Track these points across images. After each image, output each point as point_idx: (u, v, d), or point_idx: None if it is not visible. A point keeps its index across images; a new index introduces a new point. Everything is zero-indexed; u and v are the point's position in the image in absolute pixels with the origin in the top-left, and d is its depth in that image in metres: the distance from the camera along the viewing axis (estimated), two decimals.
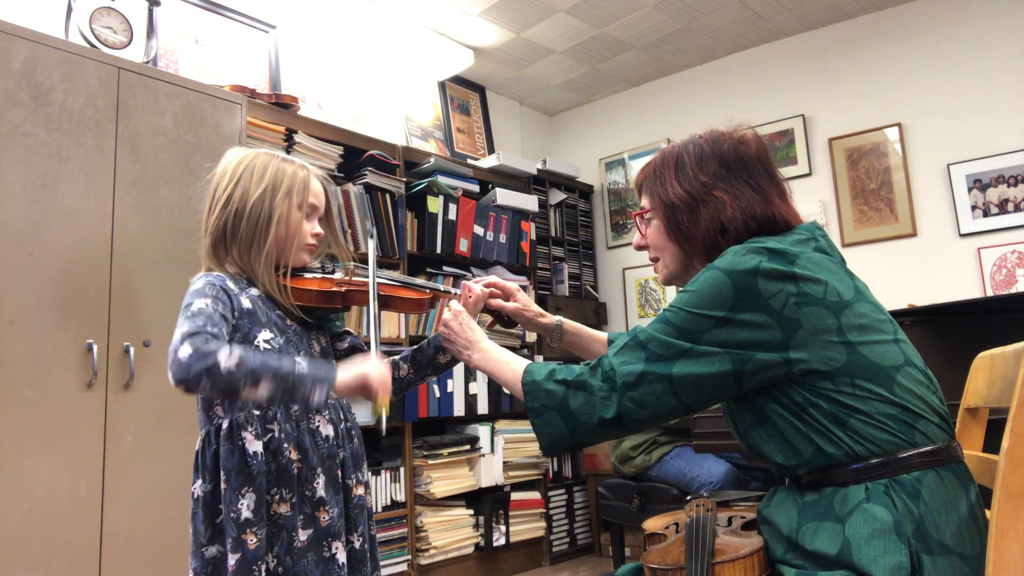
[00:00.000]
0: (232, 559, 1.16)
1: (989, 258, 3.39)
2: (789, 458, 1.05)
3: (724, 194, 1.14)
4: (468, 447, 3.39)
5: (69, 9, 2.39)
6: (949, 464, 0.99)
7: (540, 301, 4.08)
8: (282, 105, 2.94)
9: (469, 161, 3.96)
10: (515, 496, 3.60)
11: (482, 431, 3.46)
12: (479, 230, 3.66)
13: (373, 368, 1.17)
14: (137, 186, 2.23)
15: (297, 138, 2.94)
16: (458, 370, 3.43)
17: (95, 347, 2.06)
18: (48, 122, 2.06)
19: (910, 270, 3.59)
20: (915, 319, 1.96)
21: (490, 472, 3.46)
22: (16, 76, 2.01)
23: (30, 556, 1.87)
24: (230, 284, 1.27)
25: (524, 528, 3.63)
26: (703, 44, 4.17)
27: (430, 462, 3.20)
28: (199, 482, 1.22)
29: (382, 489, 3.06)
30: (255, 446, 1.21)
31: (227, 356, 1.08)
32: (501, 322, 1.54)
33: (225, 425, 1.22)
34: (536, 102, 4.90)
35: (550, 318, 1.54)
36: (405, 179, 3.37)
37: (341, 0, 3.63)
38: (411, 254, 3.38)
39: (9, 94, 1.99)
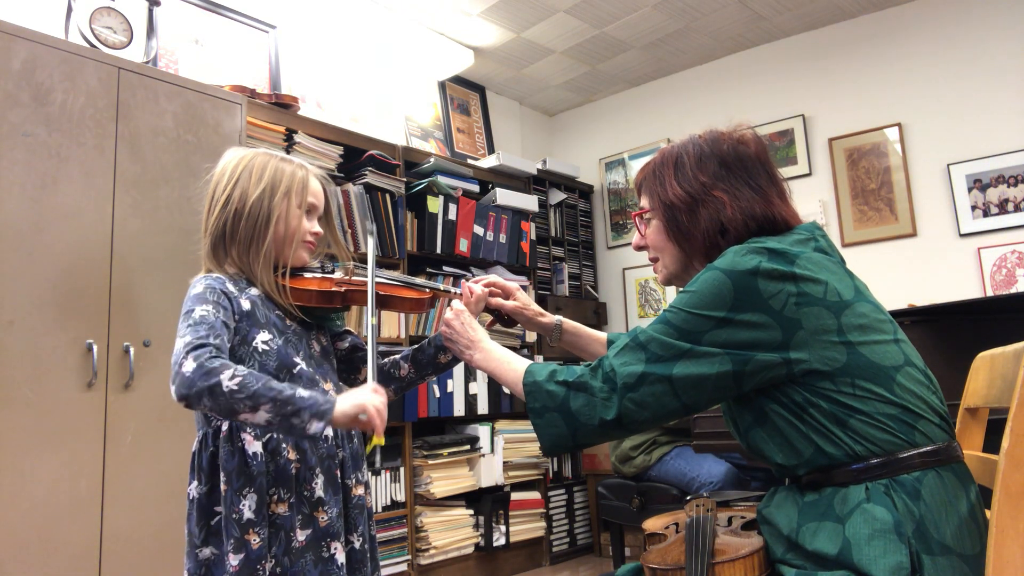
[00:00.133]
0: (235, 559, 1.16)
1: (989, 258, 3.39)
2: (789, 458, 1.05)
3: (724, 194, 1.14)
4: (468, 447, 3.39)
5: (69, 9, 2.39)
6: (949, 464, 0.99)
7: (540, 301, 4.08)
8: (282, 105, 2.94)
9: (469, 161, 3.96)
10: (515, 496, 3.60)
11: (482, 431, 3.46)
12: (479, 230, 3.66)
13: (372, 400, 1.14)
14: (137, 186, 2.23)
15: (297, 138, 2.94)
16: (458, 370, 3.43)
17: (95, 347, 2.06)
18: (48, 122, 2.06)
19: (910, 270, 3.59)
20: (915, 319, 1.96)
21: (490, 472, 3.46)
22: (16, 76, 2.01)
23: (30, 556, 1.87)
24: (230, 286, 1.27)
25: (524, 528, 3.63)
26: (703, 44, 4.17)
27: (430, 462, 3.20)
28: (195, 483, 1.22)
29: (382, 489, 3.06)
30: (255, 447, 1.21)
31: (230, 377, 1.07)
32: (501, 321, 1.54)
33: (224, 427, 1.22)
34: (536, 102, 4.90)
35: (550, 317, 1.54)
36: (405, 179, 3.37)
37: (341, 0, 3.62)
38: (411, 254, 3.38)
39: (9, 94, 1.99)
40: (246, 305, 1.26)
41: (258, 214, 1.29)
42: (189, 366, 1.08)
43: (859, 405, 0.99)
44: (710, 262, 1.09)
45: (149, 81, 2.31)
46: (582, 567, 3.77)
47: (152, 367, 2.17)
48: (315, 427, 1.10)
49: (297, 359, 1.28)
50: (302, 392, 1.11)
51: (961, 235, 3.48)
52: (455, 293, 1.46)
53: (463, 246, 3.55)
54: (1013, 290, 3.29)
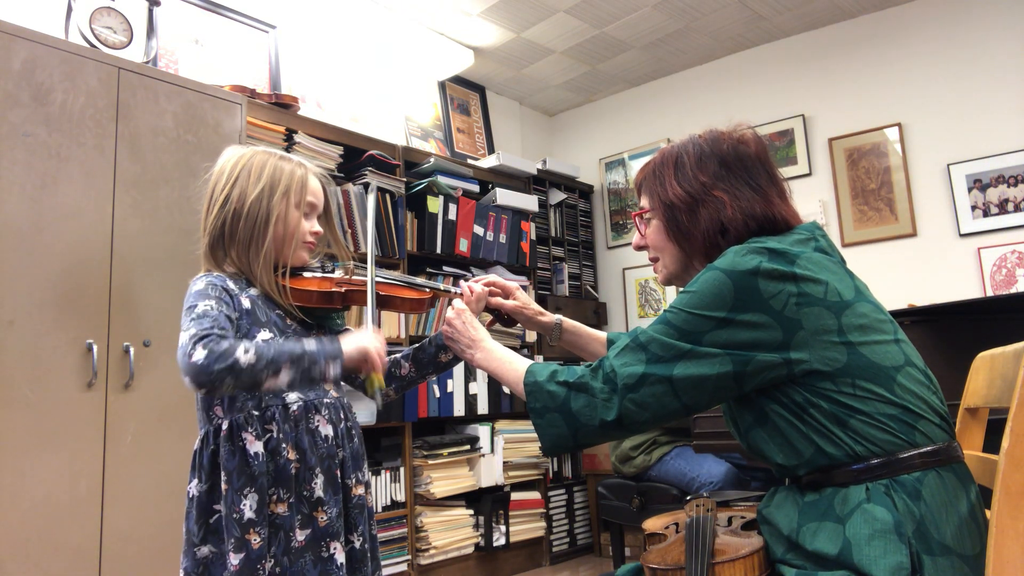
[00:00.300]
0: (236, 559, 1.16)
1: (989, 258, 3.39)
2: (790, 458, 1.05)
3: (724, 194, 1.14)
4: (468, 447, 3.39)
5: (69, 9, 2.39)
6: (950, 464, 0.99)
7: (540, 301, 4.08)
8: (282, 105, 2.94)
9: (469, 161, 3.96)
10: (515, 496, 3.60)
11: (482, 431, 3.46)
12: (479, 230, 3.66)
13: (371, 340, 1.21)
14: (137, 186, 2.23)
15: (297, 138, 2.94)
16: (458, 370, 3.43)
17: (95, 347, 2.06)
18: (48, 122, 2.06)
19: (910, 270, 3.58)
20: (915, 319, 1.96)
21: (490, 472, 3.46)
22: (16, 76, 2.01)
23: (30, 556, 1.87)
24: (230, 284, 1.27)
25: (524, 528, 3.63)
26: (703, 44, 4.17)
27: (430, 462, 3.20)
28: (195, 481, 1.22)
29: (382, 489, 3.06)
30: (256, 446, 1.21)
31: (244, 352, 1.11)
32: (501, 321, 1.54)
33: (225, 426, 1.22)
34: (536, 102, 4.90)
35: (549, 317, 1.54)
36: (405, 179, 3.37)
37: (341, 0, 3.62)
38: (411, 254, 3.38)
39: (9, 94, 1.99)
40: (246, 304, 1.27)
41: (257, 214, 1.29)
42: (200, 354, 1.09)
43: (859, 405, 0.99)
44: (710, 262, 1.09)
45: (149, 81, 2.31)
46: (582, 567, 3.77)
47: (152, 367, 2.17)
48: (334, 370, 1.17)
49: (305, 340, 1.28)
50: (309, 344, 1.17)
51: (961, 235, 3.48)
52: (455, 293, 1.46)
53: (463, 246, 3.55)
54: (1013, 290, 3.29)
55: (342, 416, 1.34)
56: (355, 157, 3.19)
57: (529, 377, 1.16)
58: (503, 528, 3.49)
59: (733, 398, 1.10)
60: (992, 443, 1.02)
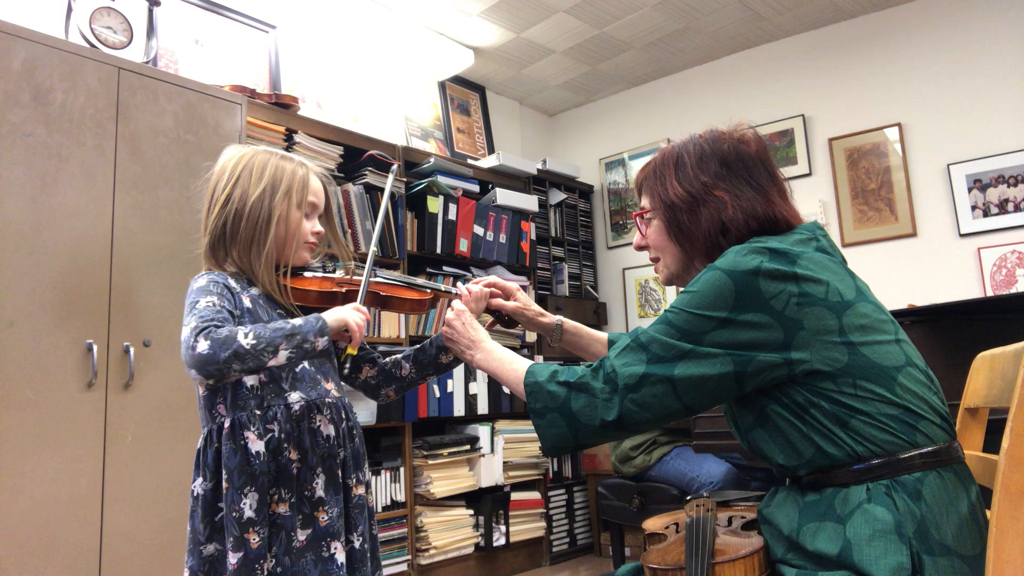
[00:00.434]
0: (234, 558, 1.16)
1: (989, 258, 3.39)
2: (790, 459, 1.05)
3: (725, 194, 1.14)
4: (468, 447, 3.39)
5: (69, 9, 2.39)
6: (950, 465, 0.99)
7: (540, 301, 4.08)
8: (282, 105, 2.94)
9: (469, 161, 3.96)
10: (515, 496, 3.60)
11: (482, 431, 3.46)
12: (479, 230, 3.66)
13: (354, 316, 1.24)
14: (137, 186, 2.23)
15: (297, 138, 2.94)
16: (458, 370, 3.43)
17: (95, 347, 2.06)
18: (48, 122, 2.06)
19: (910, 270, 3.59)
20: (915, 319, 1.96)
21: (490, 472, 3.46)
22: (16, 76, 2.01)
23: (30, 556, 1.87)
24: (232, 283, 1.27)
25: (524, 528, 3.63)
26: (703, 44, 4.17)
27: (430, 462, 3.20)
28: (199, 480, 1.22)
29: (382, 489, 3.06)
30: (257, 446, 1.21)
31: (245, 336, 1.13)
32: (501, 322, 1.54)
33: (227, 424, 1.22)
34: (536, 102, 4.90)
35: (550, 318, 1.54)
36: (405, 179, 3.37)
37: (341, 0, 3.62)
38: (411, 254, 3.38)
39: (9, 94, 1.99)
40: (247, 303, 1.27)
41: (259, 214, 1.29)
42: (203, 345, 1.12)
43: (860, 405, 0.99)
44: (711, 262, 1.09)
45: (149, 81, 2.31)
46: (582, 567, 3.77)
47: (152, 367, 2.17)
48: (322, 343, 1.20)
49: (292, 320, 1.28)
50: (296, 321, 1.20)
51: (961, 235, 3.48)
52: (456, 294, 1.46)
53: (463, 246, 3.55)
54: (1013, 290, 3.29)
55: (343, 416, 1.34)
56: (355, 157, 3.19)
57: (529, 377, 1.16)
58: (503, 528, 3.49)
59: (734, 398, 1.10)
60: (992, 443, 1.02)
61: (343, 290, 1.35)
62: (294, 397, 1.27)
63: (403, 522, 3.10)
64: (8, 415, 1.89)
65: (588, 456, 4.09)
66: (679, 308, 1.06)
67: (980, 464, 1.08)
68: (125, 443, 2.10)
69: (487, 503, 3.42)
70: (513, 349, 1.33)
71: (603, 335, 1.54)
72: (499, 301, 1.50)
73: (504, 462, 3.53)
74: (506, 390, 3.66)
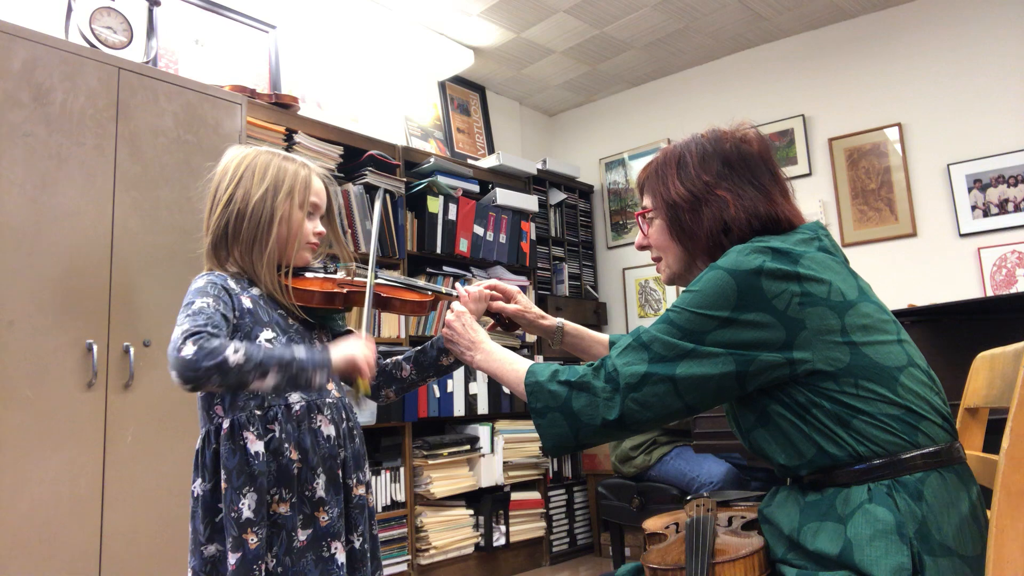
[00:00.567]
0: (233, 558, 1.16)
1: (989, 258, 3.39)
2: (792, 459, 1.05)
3: (727, 193, 1.13)
4: (468, 447, 3.39)
5: (69, 9, 2.39)
6: (952, 465, 0.99)
7: (540, 301, 4.08)
8: (282, 105, 2.94)
9: (469, 161, 3.96)
10: (515, 496, 3.60)
11: (482, 431, 3.46)
12: (479, 230, 3.66)
13: (361, 348, 1.22)
14: (137, 186, 2.23)
15: (297, 138, 2.94)
16: (458, 370, 3.42)
17: (95, 347, 2.06)
18: (48, 122, 2.06)
19: (910, 270, 3.59)
20: (915, 319, 1.96)
21: (490, 472, 3.46)
22: (16, 76, 2.01)
23: (30, 556, 1.87)
24: (231, 284, 1.27)
25: (524, 528, 3.63)
26: (703, 44, 4.17)
27: (430, 462, 3.20)
28: (199, 481, 1.23)
29: (382, 489, 3.06)
30: (256, 446, 1.21)
31: (234, 352, 1.10)
32: (502, 325, 1.53)
33: (226, 425, 1.22)
34: (536, 102, 4.90)
35: (551, 320, 1.53)
36: (405, 179, 3.37)
37: (341, 0, 3.62)
38: (411, 254, 3.38)
39: (9, 94, 1.99)
40: (247, 303, 1.27)
41: (261, 214, 1.29)
42: (189, 350, 1.09)
43: (862, 406, 0.99)
44: (713, 261, 1.09)
45: (149, 81, 2.31)
46: (582, 567, 3.77)
47: (152, 367, 2.17)
48: (320, 378, 1.17)
49: (295, 347, 1.28)
50: (299, 351, 1.16)
51: (961, 235, 3.48)
52: (456, 295, 1.46)
53: (463, 246, 3.55)
54: (1013, 290, 3.29)
55: (344, 416, 1.35)
56: (355, 157, 3.19)
57: (530, 377, 1.16)
58: (503, 528, 3.49)
59: (735, 398, 1.09)
60: (992, 443, 1.02)
61: (344, 290, 1.35)
62: (295, 397, 1.27)
63: (403, 522, 3.10)
64: (8, 415, 1.89)
65: (588, 456, 4.09)
66: (681, 307, 1.06)
67: (980, 464, 1.08)
68: (125, 443, 2.10)
69: (487, 503, 3.42)
70: (513, 351, 1.32)
71: (604, 337, 1.54)
72: (499, 304, 1.50)
73: (504, 462, 3.53)
74: (506, 390, 3.66)
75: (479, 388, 3.54)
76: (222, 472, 1.20)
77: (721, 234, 1.13)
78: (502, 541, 3.48)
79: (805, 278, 1.02)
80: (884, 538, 0.93)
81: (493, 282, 1.50)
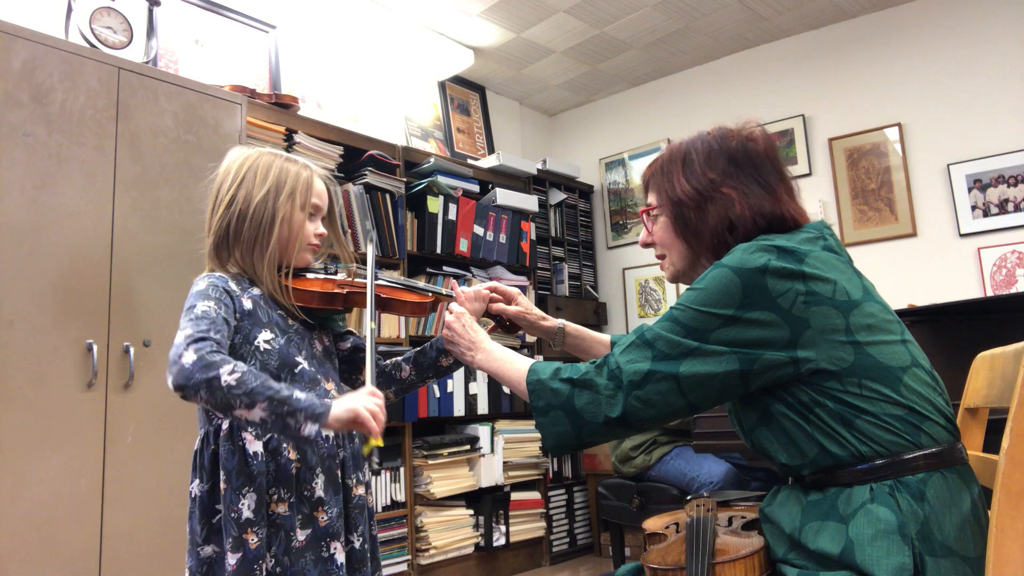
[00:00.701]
0: (233, 559, 1.16)
1: (989, 258, 3.39)
2: (794, 458, 1.05)
3: (732, 191, 1.13)
4: (468, 447, 3.39)
5: (69, 9, 2.39)
6: (954, 466, 0.99)
7: (540, 301, 4.08)
8: (282, 105, 2.94)
9: (469, 161, 3.96)
10: (515, 496, 3.60)
11: (482, 431, 3.46)
12: (479, 230, 3.66)
13: (366, 404, 1.13)
14: (137, 186, 2.23)
15: (297, 138, 2.94)
16: (458, 370, 3.42)
17: (95, 347, 2.06)
18: (48, 122, 2.06)
19: (910, 270, 3.59)
20: (915, 319, 1.96)
21: (490, 472, 3.46)
22: (16, 76, 2.01)
23: (30, 556, 1.87)
24: (232, 285, 1.27)
25: (524, 528, 3.63)
26: (703, 44, 4.17)
27: (430, 462, 3.20)
28: (196, 482, 1.23)
29: (382, 489, 3.06)
30: (255, 446, 1.21)
31: (229, 372, 1.07)
32: (503, 327, 1.53)
33: (225, 426, 1.22)
34: (536, 102, 4.90)
35: (552, 321, 1.52)
36: (405, 179, 3.37)
37: (341, 0, 3.62)
38: (411, 254, 3.38)
39: (9, 94, 1.99)
40: (248, 304, 1.27)
41: (262, 215, 1.29)
42: (189, 358, 1.07)
43: (865, 406, 0.98)
44: (718, 259, 1.08)
45: (149, 81, 2.31)
46: (582, 567, 3.77)
47: (152, 367, 2.17)
48: (309, 429, 1.10)
49: (299, 358, 1.28)
50: (299, 394, 1.11)
51: (961, 235, 3.48)
52: (452, 296, 1.46)
53: (463, 246, 3.55)
54: (1013, 290, 3.29)
55: None
56: (355, 157, 3.19)
57: (532, 375, 1.15)
58: (503, 528, 3.49)
59: (739, 397, 1.09)
60: (992, 443, 1.02)
61: (344, 291, 1.35)
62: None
63: (403, 522, 3.10)
64: (8, 415, 1.89)
65: (588, 456, 4.09)
66: (685, 305, 1.06)
67: (980, 464, 1.08)
68: (125, 443, 2.10)
69: (487, 503, 3.42)
70: (513, 350, 1.32)
71: (606, 337, 1.53)
72: (500, 306, 1.49)
73: (504, 462, 3.53)
74: (506, 390, 3.66)
75: (479, 388, 3.54)
76: (221, 473, 1.20)
77: (726, 232, 1.13)
78: (502, 541, 3.48)
79: (810, 277, 1.01)
80: (886, 538, 0.93)
81: (493, 284, 1.50)
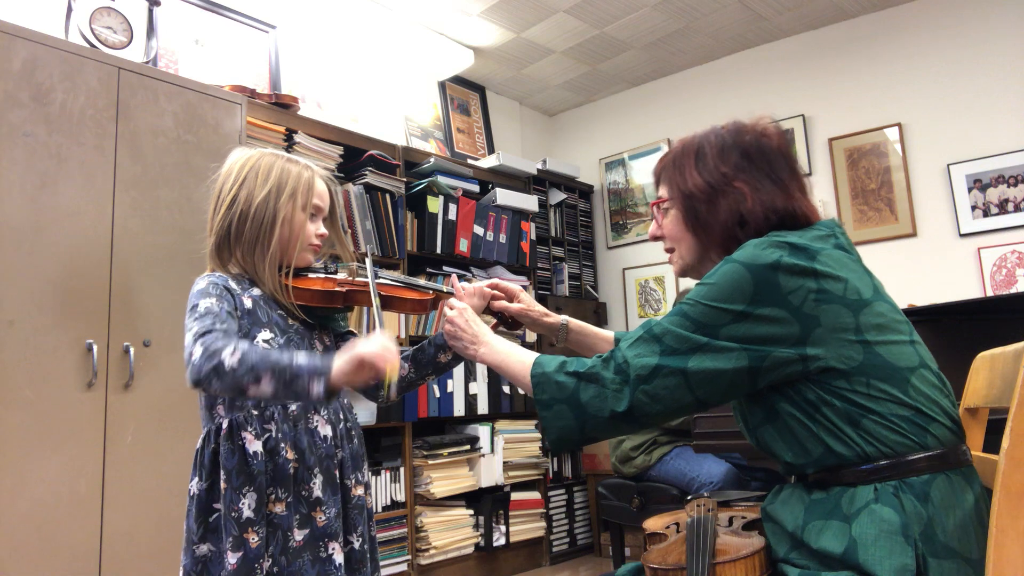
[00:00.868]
0: (233, 558, 1.16)
1: (989, 258, 3.39)
2: (798, 456, 1.04)
3: (745, 186, 1.12)
4: (468, 447, 3.39)
5: (69, 9, 2.39)
6: (959, 468, 0.99)
7: (540, 301, 4.07)
8: (282, 105, 2.94)
9: (469, 161, 3.96)
10: (515, 496, 3.60)
11: (482, 431, 3.46)
12: (479, 230, 3.66)
13: (366, 345, 1.11)
14: (137, 186, 2.23)
15: (297, 138, 2.94)
16: (458, 370, 3.43)
17: (95, 347, 2.06)
18: (48, 122, 2.06)
19: (910, 270, 3.58)
20: (915, 319, 1.95)
21: (490, 472, 3.46)
22: (16, 76, 2.01)
23: (30, 556, 1.87)
24: (232, 284, 1.28)
25: (524, 528, 3.63)
26: (703, 44, 4.17)
27: (430, 462, 3.20)
28: (196, 480, 1.23)
29: (382, 489, 3.06)
30: (255, 446, 1.21)
31: (231, 354, 1.09)
32: (505, 324, 1.52)
33: (225, 424, 1.22)
34: (536, 102, 4.90)
35: (555, 318, 1.52)
36: (405, 179, 3.37)
37: (341, 0, 3.62)
38: (411, 254, 3.38)
39: (9, 94, 1.99)
40: (248, 303, 1.27)
41: (263, 215, 1.29)
42: (198, 352, 1.10)
43: (873, 405, 0.98)
44: (727, 254, 1.07)
45: (149, 81, 2.31)
46: (582, 567, 3.77)
47: (152, 367, 2.17)
48: (317, 389, 1.09)
49: (297, 353, 1.28)
50: (300, 358, 1.11)
51: (961, 235, 3.48)
52: (451, 293, 1.46)
53: (463, 246, 3.55)
54: (1013, 290, 3.29)
55: (341, 416, 1.34)
56: (355, 157, 3.19)
57: (537, 368, 1.14)
58: (503, 528, 3.49)
59: (746, 394, 1.08)
60: (992, 443, 1.02)
61: (343, 290, 1.35)
62: None
63: (403, 522, 3.10)
64: (8, 415, 1.89)
65: (588, 456, 4.09)
66: (695, 300, 1.04)
67: (980, 464, 1.08)
68: (125, 443, 2.10)
69: (487, 503, 3.42)
70: None
71: (609, 333, 1.52)
72: (502, 303, 1.49)
73: (504, 462, 3.53)
74: (506, 390, 3.66)
75: (479, 388, 3.54)
76: (221, 472, 1.20)
77: (737, 227, 1.12)
78: (502, 541, 3.48)
79: (822, 275, 1.01)
80: (889, 538, 0.92)
81: (495, 281, 1.50)
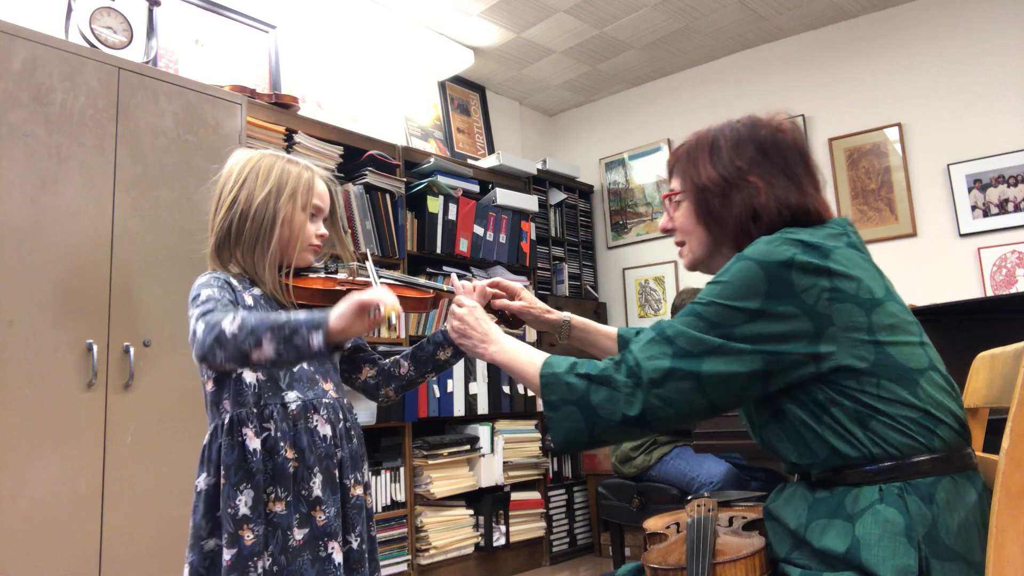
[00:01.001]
0: (228, 554, 1.17)
1: (989, 258, 3.39)
2: (803, 457, 1.04)
3: (759, 180, 1.11)
4: (468, 447, 3.39)
5: (69, 9, 2.39)
6: (964, 471, 0.98)
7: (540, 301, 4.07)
8: (282, 105, 2.94)
9: (469, 161, 3.96)
10: (515, 496, 3.60)
11: (482, 431, 3.46)
12: (479, 230, 3.66)
13: (364, 294, 1.12)
14: (137, 186, 2.23)
15: (297, 138, 2.94)
16: (458, 370, 3.43)
17: (95, 347, 2.06)
18: (48, 122, 2.06)
19: (910, 270, 3.58)
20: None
21: (490, 472, 3.46)
22: (16, 76, 2.01)
23: (30, 556, 1.87)
24: (233, 282, 1.29)
25: (524, 528, 3.63)
26: (703, 44, 4.17)
27: (430, 462, 3.20)
28: (203, 475, 1.23)
29: (382, 489, 3.06)
30: (255, 443, 1.22)
31: (230, 322, 1.11)
32: (506, 322, 1.51)
33: (227, 420, 1.23)
34: (536, 102, 4.90)
35: (558, 315, 1.50)
36: (405, 179, 3.37)
37: (341, 0, 3.62)
38: (411, 254, 3.38)
39: (9, 94, 1.99)
40: (248, 301, 1.28)
41: (264, 215, 1.30)
42: (200, 328, 1.12)
43: (882, 406, 0.97)
44: (739, 249, 1.06)
45: (149, 81, 2.31)
46: (582, 567, 3.77)
47: (152, 367, 2.17)
48: (317, 340, 1.10)
49: (295, 312, 1.29)
50: (296, 313, 1.13)
51: (961, 235, 3.48)
52: (452, 292, 1.46)
53: (463, 246, 3.55)
54: (1013, 290, 3.29)
55: (341, 416, 1.34)
56: (355, 157, 3.19)
57: (547, 368, 1.12)
58: (503, 528, 3.49)
59: (759, 397, 1.06)
60: (992, 443, 1.02)
61: (344, 289, 1.35)
62: (291, 396, 1.27)
63: (403, 522, 3.10)
64: (8, 415, 1.89)
65: (588, 456, 4.09)
66: (708, 299, 1.03)
67: (980, 464, 1.08)
68: (125, 443, 2.10)
69: (487, 503, 3.42)
70: None
71: (612, 330, 1.51)
72: (504, 302, 1.48)
73: (504, 462, 3.53)
74: (506, 389, 3.66)
75: (479, 388, 3.54)
76: (221, 468, 1.20)
77: (750, 221, 1.11)
78: (502, 541, 3.48)
79: (836, 274, 1.00)
80: (892, 539, 0.92)
81: (496, 279, 1.49)
